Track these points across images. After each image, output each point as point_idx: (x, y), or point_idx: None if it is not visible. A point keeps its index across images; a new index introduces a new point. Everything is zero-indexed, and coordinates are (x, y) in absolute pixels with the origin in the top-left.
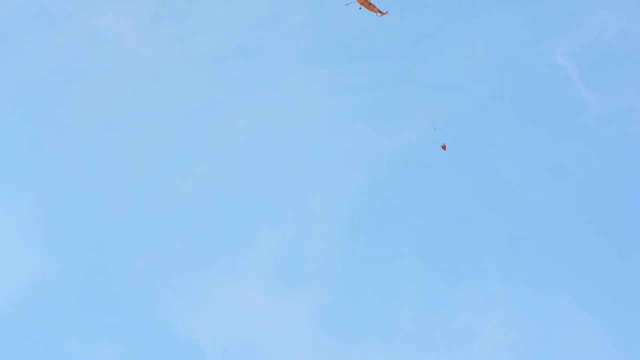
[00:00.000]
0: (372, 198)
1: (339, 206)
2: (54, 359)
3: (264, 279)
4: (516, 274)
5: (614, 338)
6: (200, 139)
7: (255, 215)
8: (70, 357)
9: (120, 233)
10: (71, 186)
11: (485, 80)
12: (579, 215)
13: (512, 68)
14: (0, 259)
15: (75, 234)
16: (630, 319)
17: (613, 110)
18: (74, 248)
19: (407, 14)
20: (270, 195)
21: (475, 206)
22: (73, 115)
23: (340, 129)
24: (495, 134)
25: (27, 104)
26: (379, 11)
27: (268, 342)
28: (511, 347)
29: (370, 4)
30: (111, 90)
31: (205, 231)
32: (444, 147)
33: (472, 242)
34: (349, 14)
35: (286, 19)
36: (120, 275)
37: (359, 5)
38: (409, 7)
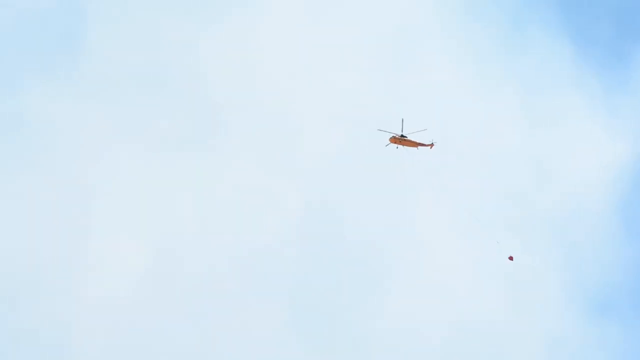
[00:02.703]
0: None
1: None
2: None
3: None
4: None
5: None
6: None
7: None
8: None
9: None
10: None
11: None
12: None
13: None
14: None
15: None
16: None
17: None
18: None
19: None
20: None
21: None
22: None
23: None
24: None
25: None
26: (422, 144)
27: None
28: None
29: (406, 141)
30: None
31: None
32: (511, 259)
33: None
34: None
35: None
36: None
37: (395, 145)
38: None
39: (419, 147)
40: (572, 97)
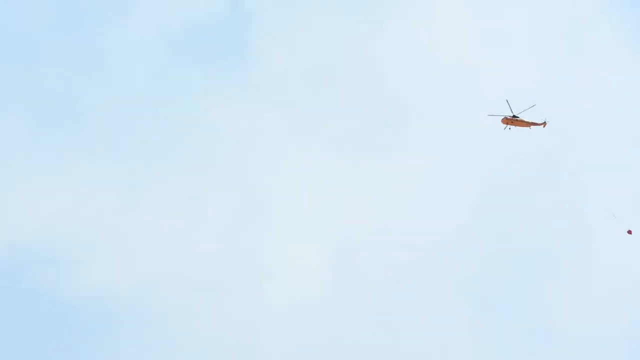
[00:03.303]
0: None
1: None
2: None
3: None
4: None
5: None
6: None
7: None
8: None
9: None
10: None
11: None
12: None
13: None
14: None
15: None
16: None
17: None
18: None
19: None
20: None
21: None
22: None
23: None
24: None
25: None
26: (534, 124)
27: None
28: None
29: (518, 121)
30: None
31: None
32: (629, 232)
33: None
34: None
35: None
36: None
37: (507, 126)
38: None
39: (532, 126)
40: None
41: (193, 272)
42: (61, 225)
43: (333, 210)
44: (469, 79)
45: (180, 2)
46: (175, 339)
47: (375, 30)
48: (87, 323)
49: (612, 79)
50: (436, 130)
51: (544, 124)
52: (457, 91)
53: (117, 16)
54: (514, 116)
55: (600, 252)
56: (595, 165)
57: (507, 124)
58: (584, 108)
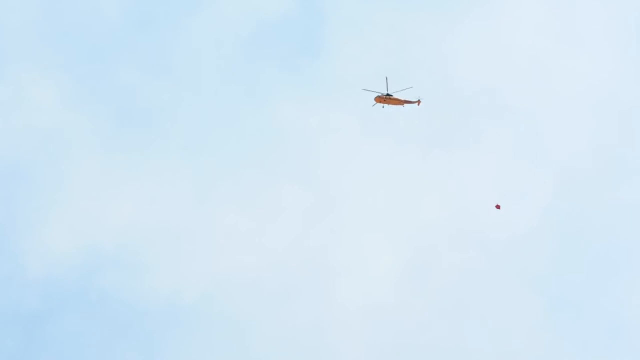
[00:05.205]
0: None
1: None
2: None
3: None
4: None
5: None
6: None
7: None
8: None
9: None
10: None
11: None
12: None
13: None
14: None
15: None
16: None
17: None
18: None
19: None
20: None
21: None
22: None
23: None
24: None
25: None
26: (408, 102)
27: None
28: None
29: (391, 99)
30: None
31: None
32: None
33: None
34: None
35: None
36: None
37: (381, 105)
38: None
39: (405, 104)
40: None
41: (266, 272)
42: (133, 227)
43: (406, 209)
44: (542, 77)
45: (251, 2)
46: (247, 339)
47: (448, 29)
48: (160, 324)
49: None
50: (509, 128)
51: (418, 102)
52: (530, 90)
53: (188, 18)
54: (387, 94)
55: None
56: None
57: (381, 102)
58: None
